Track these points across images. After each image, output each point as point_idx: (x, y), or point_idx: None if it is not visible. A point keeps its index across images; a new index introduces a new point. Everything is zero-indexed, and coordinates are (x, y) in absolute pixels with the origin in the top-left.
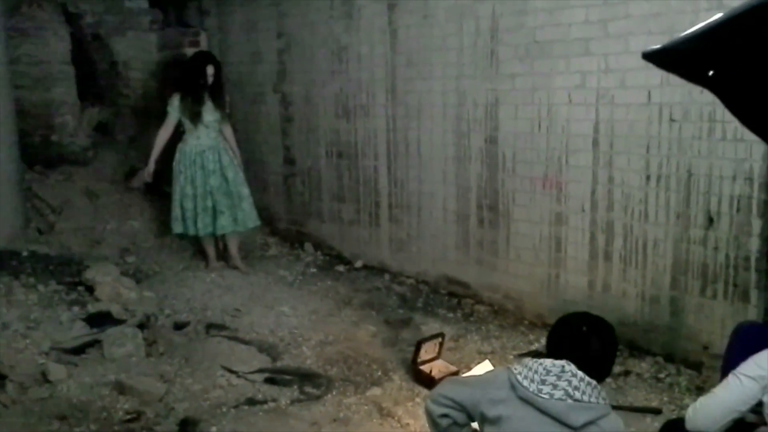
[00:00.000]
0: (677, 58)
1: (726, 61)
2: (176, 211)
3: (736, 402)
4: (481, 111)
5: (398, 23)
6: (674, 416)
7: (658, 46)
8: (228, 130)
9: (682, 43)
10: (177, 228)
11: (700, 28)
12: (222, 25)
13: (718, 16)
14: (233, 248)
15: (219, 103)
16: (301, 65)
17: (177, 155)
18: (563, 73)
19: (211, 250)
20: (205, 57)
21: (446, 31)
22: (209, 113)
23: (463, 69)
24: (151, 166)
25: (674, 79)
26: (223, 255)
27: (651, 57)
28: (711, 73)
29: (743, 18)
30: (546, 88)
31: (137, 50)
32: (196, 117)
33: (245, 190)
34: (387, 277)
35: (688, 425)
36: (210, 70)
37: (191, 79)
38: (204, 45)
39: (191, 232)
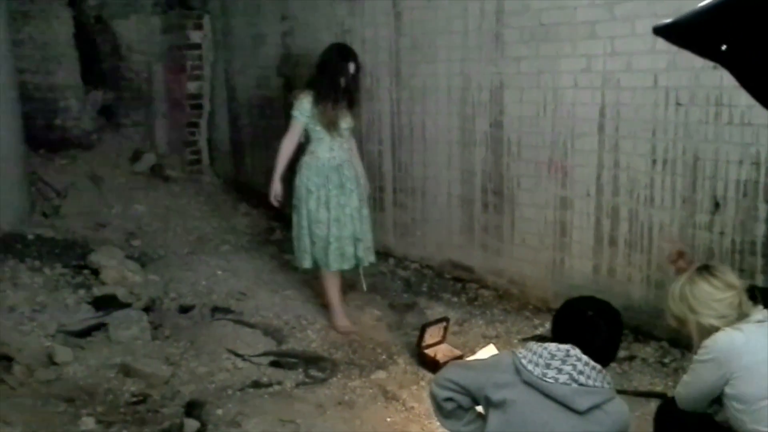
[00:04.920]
0: (689, 33)
1: (740, 35)
2: (305, 242)
3: (703, 386)
4: (486, 95)
5: (402, 5)
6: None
7: (668, 21)
8: (353, 141)
9: (694, 16)
10: (308, 262)
11: (712, 1)
12: (225, 7)
13: None
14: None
15: (354, 108)
16: (304, 48)
17: (304, 172)
18: (569, 56)
19: (338, 292)
20: (348, 52)
21: (451, 13)
22: (344, 120)
23: (468, 52)
24: (277, 186)
25: (681, 63)
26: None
27: (662, 32)
28: (724, 47)
29: None
30: (551, 72)
31: (140, 33)
32: (333, 125)
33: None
34: (391, 261)
35: (679, 405)
36: (352, 67)
37: (329, 78)
38: (207, 28)
39: (333, 267)
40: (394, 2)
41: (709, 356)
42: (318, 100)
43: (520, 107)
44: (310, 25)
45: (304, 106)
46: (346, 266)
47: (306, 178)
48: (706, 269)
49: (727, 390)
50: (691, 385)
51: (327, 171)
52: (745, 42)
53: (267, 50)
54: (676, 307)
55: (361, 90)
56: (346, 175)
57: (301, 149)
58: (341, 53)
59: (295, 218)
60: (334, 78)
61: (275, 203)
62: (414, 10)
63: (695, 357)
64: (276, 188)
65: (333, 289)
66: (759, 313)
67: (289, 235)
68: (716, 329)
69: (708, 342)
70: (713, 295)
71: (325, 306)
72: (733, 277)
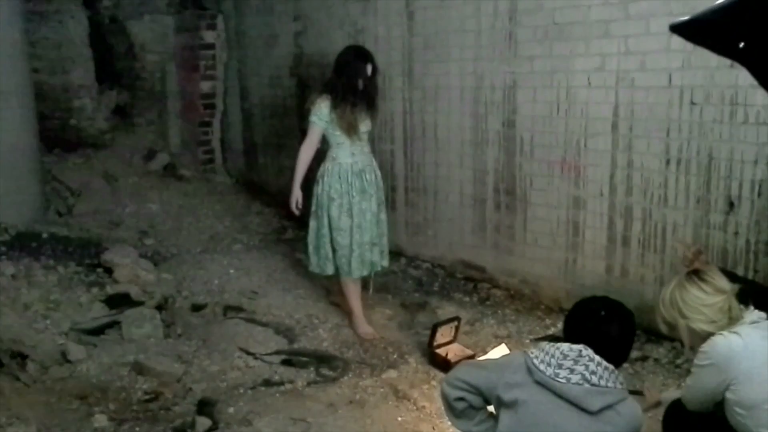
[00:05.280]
0: (706, 30)
1: (758, 33)
2: (326, 249)
3: (704, 390)
4: (499, 94)
5: (415, 5)
6: None
7: (685, 18)
8: (369, 144)
9: (712, 13)
10: (331, 269)
11: None
12: (238, 7)
13: None
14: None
15: (373, 111)
16: (317, 48)
17: (325, 178)
18: (582, 55)
19: (359, 300)
20: (365, 53)
21: (464, 12)
22: (364, 123)
23: (480, 51)
24: (298, 193)
25: (696, 62)
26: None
27: (679, 29)
28: (742, 45)
29: None
30: (565, 71)
31: (154, 33)
32: (352, 128)
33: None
34: (403, 260)
35: (686, 407)
36: (369, 69)
37: (347, 81)
38: (220, 28)
39: (356, 274)
40: (407, 2)
41: (708, 361)
42: (336, 104)
43: (533, 106)
44: (322, 25)
45: (322, 111)
46: (365, 272)
47: (328, 186)
48: (696, 274)
49: (728, 395)
50: (692, 388)
51: (350, 177)
52: (763, 39)
53: (280, 50)
54: (667, 313)
55: (378, 92)
56: (368, 180)
57: (319, 155)
58: (358, 55)
59: (313, 225)
60: (352, 80)
61: (296, 212)
62: (427, 10)
63: (695, 361)
64: (297, 196)
65: (354, 296)
66: (752, 314)
67: (301, 235)
68: (708, 334)
69: (706, 347)
70: (703, 300)
71: (336, 305)
72: (723, 282)
